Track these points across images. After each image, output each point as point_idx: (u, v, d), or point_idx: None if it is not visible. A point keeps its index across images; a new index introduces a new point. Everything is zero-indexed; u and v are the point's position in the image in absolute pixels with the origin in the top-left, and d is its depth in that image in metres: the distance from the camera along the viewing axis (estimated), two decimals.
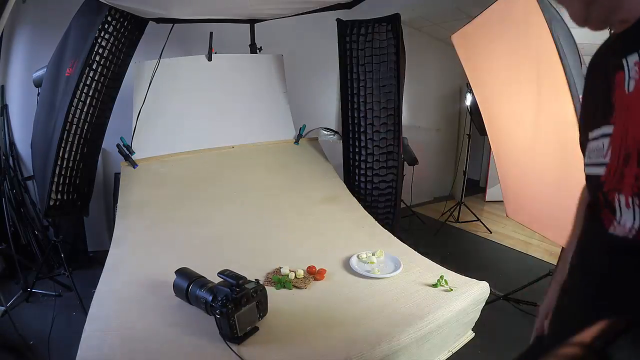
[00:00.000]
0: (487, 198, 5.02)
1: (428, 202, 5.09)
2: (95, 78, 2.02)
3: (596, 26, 0.53)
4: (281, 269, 1.38)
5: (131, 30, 2.10)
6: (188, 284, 1.11)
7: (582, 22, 0.53)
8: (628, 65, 0.47)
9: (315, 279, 1.36)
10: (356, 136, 2.47)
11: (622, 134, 0.48)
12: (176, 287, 1.14)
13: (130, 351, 1.00)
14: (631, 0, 0.48)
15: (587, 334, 0.37)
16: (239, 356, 0.95)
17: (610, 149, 0.50)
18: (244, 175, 2.16)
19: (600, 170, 0.53)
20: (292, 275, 1.34)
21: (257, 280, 1.08)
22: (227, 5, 2.24)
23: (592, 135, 0.56)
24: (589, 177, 0.58)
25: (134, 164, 2.04)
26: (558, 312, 0.69)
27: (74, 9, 2.09)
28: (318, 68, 3.76)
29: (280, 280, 1.30)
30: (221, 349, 0.98)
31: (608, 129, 0.51)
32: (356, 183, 2.49)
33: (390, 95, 2.33)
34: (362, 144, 2.45)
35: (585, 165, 0.59)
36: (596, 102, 0.56)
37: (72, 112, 1.98)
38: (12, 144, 2.88)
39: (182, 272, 1.16)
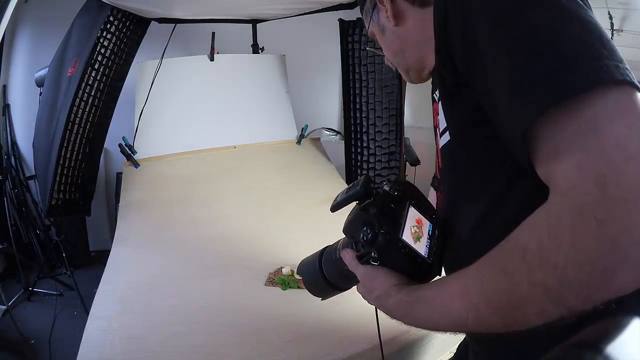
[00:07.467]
0: None
1: None
2: (98, 78, 2.02)
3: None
4: (282, 269, 1.37)
5: (133, 30, 2.10)
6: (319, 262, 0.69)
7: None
8: None
9: None
10: (358, 136, 2.46)
11: None
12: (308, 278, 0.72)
13: (132, 351, 1.00)
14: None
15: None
16: None
17: None
18: (246, 175, 2.16)
19: None
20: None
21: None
22: (229, 5, 2.24)
23: None
24: None
25: (136, 164, 2.04)
26: None
27: (76, 8, 2.09)
28: (320, 68, 3.75)
29: (285, 281, 1.30)
30: (222, 348, 0.98)
31: None
32: None
33: (393, 95, 2.32)
34: (364, 144, 2.44)
35: None
36: None
37: (74, 111, 1.98)
38: (14, 143, 2.89)
39: (304, 264, 0.75)
